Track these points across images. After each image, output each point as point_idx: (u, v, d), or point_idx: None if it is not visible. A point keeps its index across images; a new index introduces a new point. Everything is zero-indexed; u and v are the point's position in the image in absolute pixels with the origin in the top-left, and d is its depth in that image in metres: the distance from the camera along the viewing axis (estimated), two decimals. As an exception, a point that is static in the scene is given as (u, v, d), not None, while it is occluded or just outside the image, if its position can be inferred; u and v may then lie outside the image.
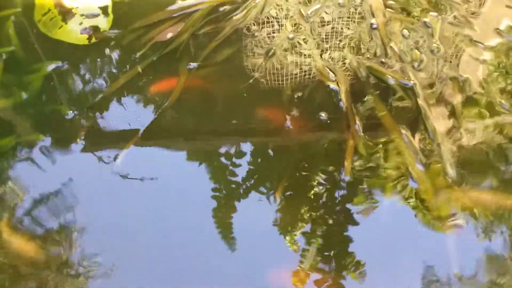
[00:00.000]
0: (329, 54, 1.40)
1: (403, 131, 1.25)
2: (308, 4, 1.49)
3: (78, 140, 1.28)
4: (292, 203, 1.19)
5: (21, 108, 1.34)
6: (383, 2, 1.46)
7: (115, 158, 1.24)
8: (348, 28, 1.44)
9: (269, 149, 1.29)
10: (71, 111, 1.33)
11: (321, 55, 1.39)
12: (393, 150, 1.23)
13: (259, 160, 1.28)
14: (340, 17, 1.46)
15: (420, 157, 1.21)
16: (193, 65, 1.40)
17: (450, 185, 1.17)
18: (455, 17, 1.43)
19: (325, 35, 1.43)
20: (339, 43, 1.42)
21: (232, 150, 1.29)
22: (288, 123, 1.28)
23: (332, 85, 1.33)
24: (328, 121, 1.28)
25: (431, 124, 1.25)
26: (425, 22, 1.42)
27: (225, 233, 1.16)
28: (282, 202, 1.18)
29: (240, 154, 1.28)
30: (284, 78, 1.37)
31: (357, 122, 1.26)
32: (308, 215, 1.17)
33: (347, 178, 1.20)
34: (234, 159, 1.27)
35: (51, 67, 1.41)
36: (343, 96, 1.30)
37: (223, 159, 1.27)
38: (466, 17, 1.43)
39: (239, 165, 1.26)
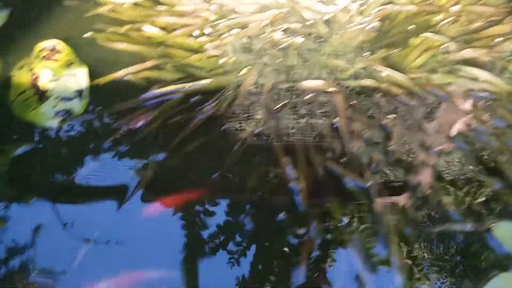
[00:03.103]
0: (292, 150, 1.47)
1: (357, 235, 1.30)
2: (276, 99, 1.57)
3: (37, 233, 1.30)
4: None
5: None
6: (345, 102, 1.55)
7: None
8: (312, 126, 1.52)
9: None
10: (35, 198, 1.35)
11: (284, 152, 1.46)
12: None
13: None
14: (305, 114, 1.54)
15: (370, 263, 1.26)
16: (162, 155, 1.44)
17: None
18: (411, 121, 1.53)
19: (290, 131, 1.51)
20: (302, 140, 1.49)
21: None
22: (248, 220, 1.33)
23: (293, 184, 1.39)
24: (286, 222, 1.33)
25: (384, 228, 1.31)
26: (382, 125, 1.50)
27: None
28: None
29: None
30: (249, 173, 1.43)
31: (314, 225, 1.31)
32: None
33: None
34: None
35: (19, 150, 1.44)
36: (302, 197, 1.36)
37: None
38: (421, 122, 1.53)
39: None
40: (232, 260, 1.28)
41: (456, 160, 1.45)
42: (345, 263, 1.27)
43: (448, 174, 1.43)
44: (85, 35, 1.69)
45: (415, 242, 1.30)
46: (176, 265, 1.27)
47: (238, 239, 1.33)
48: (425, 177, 1.42)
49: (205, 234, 1.34)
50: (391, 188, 1.39)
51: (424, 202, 1.36)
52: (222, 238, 1.33)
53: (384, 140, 1.48)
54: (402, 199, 1.35)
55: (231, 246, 1.31)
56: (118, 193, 1.39)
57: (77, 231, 1.32)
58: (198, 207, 1.38)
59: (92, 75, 1.61)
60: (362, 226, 1.32)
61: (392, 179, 1.41)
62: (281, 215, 1.34)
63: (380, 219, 1.32)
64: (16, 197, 1.36)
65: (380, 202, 1.34)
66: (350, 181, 1.39)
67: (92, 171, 1.43)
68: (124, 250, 1.30)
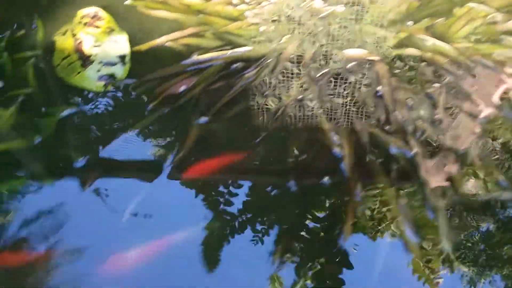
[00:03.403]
0: (335, 117, 1.45)
1: (402, 200, 1.28)
2: (318, 67, 1.55)
3: (87, 187, 1.31)
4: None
5: (34, 151, 1.38)
6: (389, 71, 1.52)
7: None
8: (354, 93, 1.50)
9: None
10: (82, 158, 1.36)
11: (327, 118, 1.44)
12: (390, 218, 1.27)
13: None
14: (347, 82, 1.52)
15: (414, 228, 1.24)
16: (203, 119, 1.44)
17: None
18: (456, 89, 1.49)
19: (332, 99, 1.49)
20: (345, 108, 1.47)
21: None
22: (292, 183, 1.32)
23: (337, 150, 1.37)
24: (330, 185, 1.32)
25: (429, 194, 1.29)
26: (428, 94, 1.48)
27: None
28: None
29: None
30: (290, 137, 1.42)
31: (358, 189, 1.29)
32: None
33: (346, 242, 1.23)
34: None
35: (65, 112, 1.46)
36: (346, 161, 1.34)
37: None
38: (467, 90, 1.49)
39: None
40: (262, 232, 1.27)
41: (503, 127, 1.42)
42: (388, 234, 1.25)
43: (496, 142, 1.40)
44: (125, 3, 1.69)
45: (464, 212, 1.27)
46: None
47: (274, 207, 1.32)
48: (472, 145, 1.39)
49: (239, 199, 1.34)
50: (436, 156, 1.36)
51: (472, 171, 1.33)
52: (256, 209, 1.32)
53: (429, 108, 1.45)
54: (451, 168, 1.33)
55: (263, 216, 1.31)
56: (161, 157, 1.39)
57: (114, 199, 1.32)
58: (236, 172, 1.38)
59: (132, 42, 1.61)
60: (407, 193, 1.30)
61: (438, 147, 1.38)
62: (325, 180, 1.33)
63: (427, 188, 1.30)
64: (62, 158, 1.38)
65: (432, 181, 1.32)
66: (395, 149, 1.37)
67: (134, 135, 1.43)
68: (159, 219, 1.29)
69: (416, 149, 1.36)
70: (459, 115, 1.44)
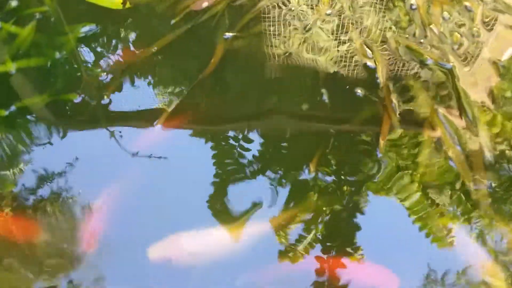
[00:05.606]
0: (366, 32, 1.38)
1: (441, 112, 1.23)
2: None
3: (106, 97, 1.27)
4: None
5: (54, 68, 1.33)
6: (423, -17, 1.44)
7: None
8: (387, 7, 1.42)
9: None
10: (104, 74, 1.32)
11: (358, 33, 1.37)
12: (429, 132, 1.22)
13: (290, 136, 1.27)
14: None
15: (457, 139, 1.19)
16: (228, 35, 1.38)
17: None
18: (495, 2, 1.41)
19: (364, 13, 1.41)
20: (377, 21, 1.40)
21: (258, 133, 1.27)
22: (325, 97, 1.27)
23: (370, 63, 1.31)
24: (364, 98, 1.26)
25: (469, 106, 1.23)
26: (465, 6, 1.39)
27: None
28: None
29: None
30: (320, 53, 1.35)
31: (394, 100, 1.24)
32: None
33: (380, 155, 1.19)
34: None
35: (84, 29, 1.40)
36: (380, 74, 1.28)
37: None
38: (507, 3, 1.41)
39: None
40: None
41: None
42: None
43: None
44: None
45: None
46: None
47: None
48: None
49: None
50: (475, 69, 1.30)
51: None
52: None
53: (467, 21, 1.37)
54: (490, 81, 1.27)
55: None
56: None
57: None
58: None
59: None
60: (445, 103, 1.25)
61: (476, 59, 1.31)
62: (359, 91, 1.27)
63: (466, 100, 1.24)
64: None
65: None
66: (431, 61, 1.30)
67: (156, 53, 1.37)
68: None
69: (453, 61, 1.29)
70: (498, 27, 1.37)
